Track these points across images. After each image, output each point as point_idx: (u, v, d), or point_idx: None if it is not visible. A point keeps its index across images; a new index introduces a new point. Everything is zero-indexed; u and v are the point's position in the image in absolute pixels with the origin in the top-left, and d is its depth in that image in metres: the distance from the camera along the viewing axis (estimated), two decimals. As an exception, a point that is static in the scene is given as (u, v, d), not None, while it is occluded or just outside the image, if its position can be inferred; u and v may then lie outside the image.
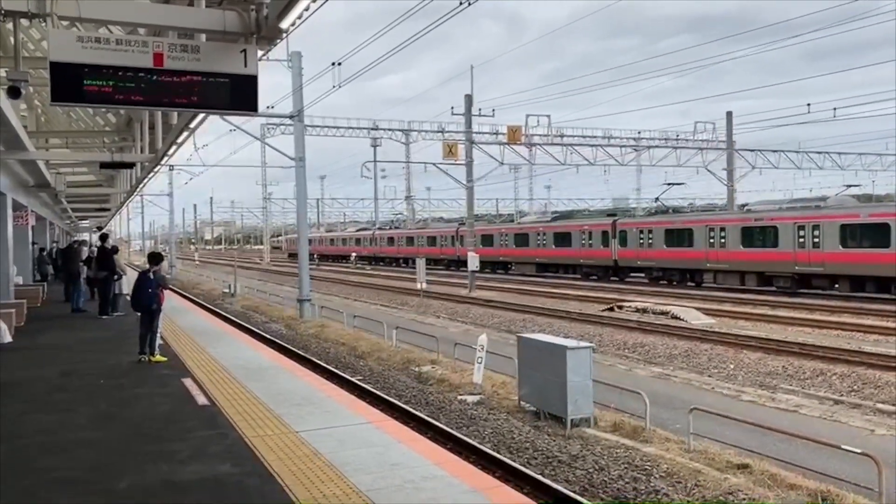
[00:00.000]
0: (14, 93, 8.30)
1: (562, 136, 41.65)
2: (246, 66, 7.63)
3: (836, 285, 26.06)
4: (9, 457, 6.21)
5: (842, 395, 11.98)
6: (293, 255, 66.54)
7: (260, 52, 8.09)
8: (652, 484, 7.51)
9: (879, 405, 11.20)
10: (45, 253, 27.17)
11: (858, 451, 7.12)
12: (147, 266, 11.71)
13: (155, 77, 7.31)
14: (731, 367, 14.47)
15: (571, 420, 9.49)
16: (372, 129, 49.44)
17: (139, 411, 7.84)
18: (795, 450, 8.23)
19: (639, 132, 46.59)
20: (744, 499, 7.01)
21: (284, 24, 7.47)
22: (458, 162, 32.92)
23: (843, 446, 7.38)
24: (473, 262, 31.53)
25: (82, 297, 18.42)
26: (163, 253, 18.43)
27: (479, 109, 33.04)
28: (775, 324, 19.84)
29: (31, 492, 5.38)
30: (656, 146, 45.71)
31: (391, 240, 61.93)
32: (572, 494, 7.03)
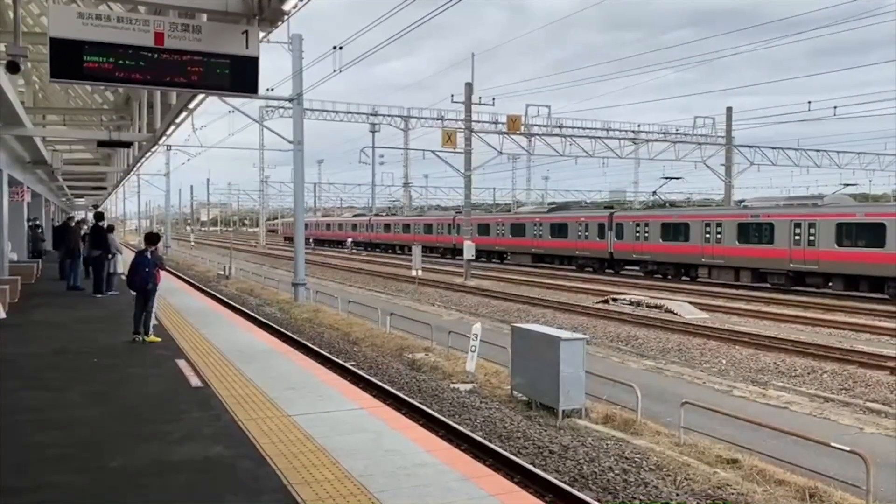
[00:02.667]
0: (13, 68, 8.27)
1: (561, 126, 41.59)
2: (247, 47, 7.60)
3: (830, 284, 26.18)
4: (1, 433, 6.21)
5: (832, 393, 12.04)
6: (289, 239, 66.45)
7: (261, 34, 8.05)
8: (641, 476, 7.55)
9: (869, 403, 11.27)
10: (40, 231, 27.04)
11: (847, 448, 7.16)
12: (144, 246, 11.69)
13: (155, 56, 7.27)
14: (724, 361, 14.53)
15: (563, 411, 9.52)
16: (371, 114, 49.40)
17: (132, 391, 7.86)
18: (785, 446, 8.27)
19: (638, 125, 46.64)
20: (732, 493, 7.07)
21: (287, 6, 7.44)
22: (456, 150, 32.85)
23: (832, 444, 7.42)
24: (469, 250, 31.54)
25: (80, 276, 18.36)
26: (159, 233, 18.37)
27: (480, 98, 32.91)
28: (768, 320, 19.94)
29: (23, 468, 5.39)
30: (655, 140, 45.74)
31: (388, 226, 61.87)
32: (562, 485, 7.08)
